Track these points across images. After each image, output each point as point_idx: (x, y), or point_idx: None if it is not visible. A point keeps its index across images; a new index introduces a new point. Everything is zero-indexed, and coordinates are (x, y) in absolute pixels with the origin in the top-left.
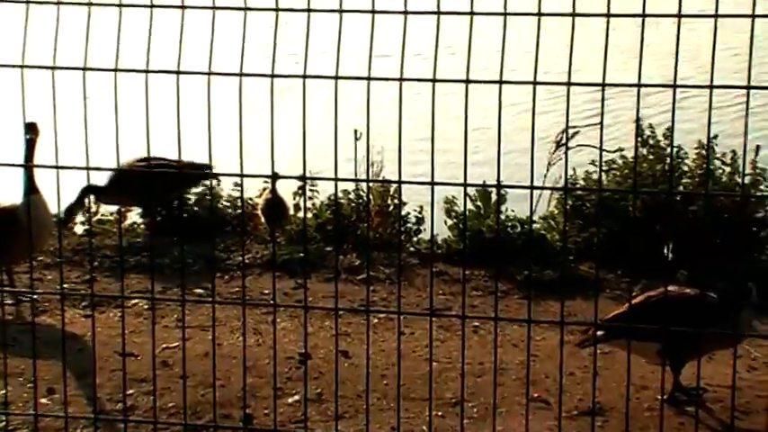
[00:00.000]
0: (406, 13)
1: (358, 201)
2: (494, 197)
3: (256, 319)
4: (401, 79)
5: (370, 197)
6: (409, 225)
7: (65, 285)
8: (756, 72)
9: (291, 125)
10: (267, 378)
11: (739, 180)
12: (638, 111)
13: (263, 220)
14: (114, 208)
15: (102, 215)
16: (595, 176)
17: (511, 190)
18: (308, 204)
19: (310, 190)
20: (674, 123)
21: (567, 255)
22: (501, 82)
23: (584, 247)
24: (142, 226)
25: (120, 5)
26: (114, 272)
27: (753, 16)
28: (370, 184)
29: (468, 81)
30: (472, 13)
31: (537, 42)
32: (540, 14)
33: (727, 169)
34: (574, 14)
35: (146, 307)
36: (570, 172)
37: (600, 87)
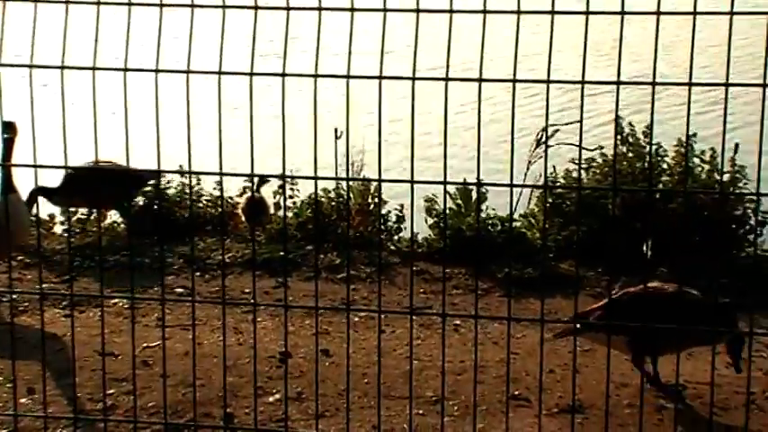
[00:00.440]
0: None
1: (338, 200)
2: (474, 195)
3: (237, 318)
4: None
5: (351, 196)
6: (390, 224)
7: (44, 285)
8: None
9: (273, 124)
10: (248, 377)
11: (718, 177)
12: (617, 108)
13: (243, 219)
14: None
15: (81, 215)
16: (576, 174)
17: (492, 188)
18: (289, 203)
19: (291, 189)
20: (654, 121)
21: (548, 253)
22: (480, 80)
23: (564, 245)
24: (122, 225)
25: (98, 3)
26: (94, 271)
27: (731, 13)
28: (352, 183)
29: (449, 79)
30: (451, 11)
31: (516, 40)
32: (519, 12)
33: (707, 167)
34: (553, 12)
35: (126, 306)
36: (550, 170)
37: (579, 85)
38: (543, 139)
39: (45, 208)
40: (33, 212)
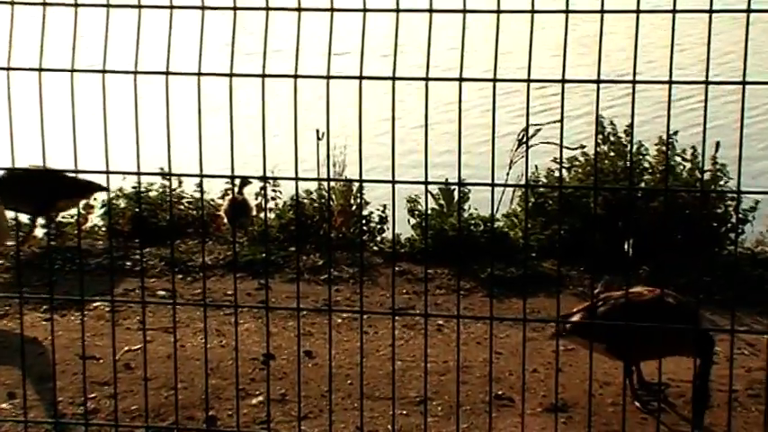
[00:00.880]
0: (431, 11)
1: (320, 201)
2: (456, 196)
3: (219, 321)
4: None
5: (333, 197)
6: (373, 224)
7: (24, 289)
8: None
9: (254, 125)
10: (230, 379)
11: (700, 176)
12: (597, 107)
13: (226, 220)
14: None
15: (62, 218)
16: (557, 174)
17: (474, 188)
18: (271, 205)
19: (273, 190)
20: (634, 119)
21: (530, 252)
22: (461, 79)
23: (546, 245)
24: (104, 229)
25: (76, 4)
26: (75, 275)
27: (710, 11)
28: (334, 184)
29: (431, 79)
30: (431, 11)
31: (496, 40)
32: (498, 11)
33: (688, 165)
34: (533, 11)
35: (107, 309)
36: (532, 169)
37: (559, 84)
38: (524, 138)
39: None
40: (12, 216)
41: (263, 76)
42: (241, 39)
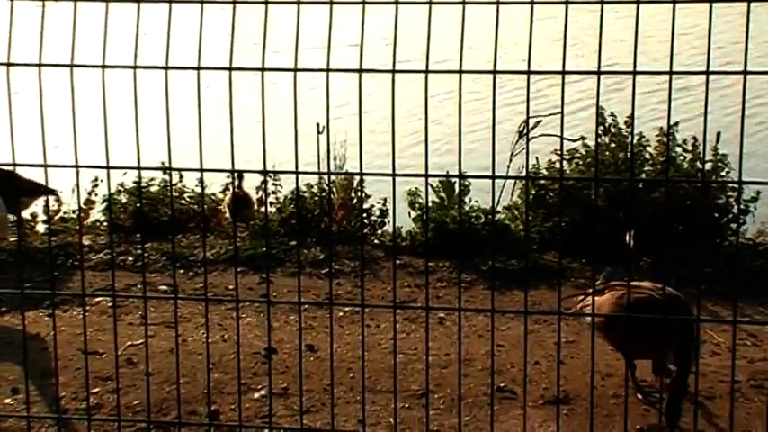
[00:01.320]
0: (430, 3)
1: (321, 194)
2: (457, 188)
3: (221, 315)
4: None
5: (334, 190)
6: (373, 218)
7: (26, 284)
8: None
9: (254, 119)
10: (232, 373)
11: (700, 166)
12: (597, 98)
13: (228, 215)
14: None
15: (64, 213)
16: (558, 165)
17: (475, 180)
18: (272, 199)
19: (273, 184)
20: (635, 110)
21: (531, 244)
22: (461, 72)
23: (547, 237)
24: (105, 224)
25: None
26: (77, 270)
27: (711, 0)
28: (334, 178)
29: (431, 71)
30: (430, 3)
31: (496, 31)
32: (498, 2)
33: (689, 156)
34: (533, 2)
35: (109, 304)
36: (533, 161)
37: (560, 75)
38: (525, 130)
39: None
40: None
41: (263, 69)
42: (240, 32)
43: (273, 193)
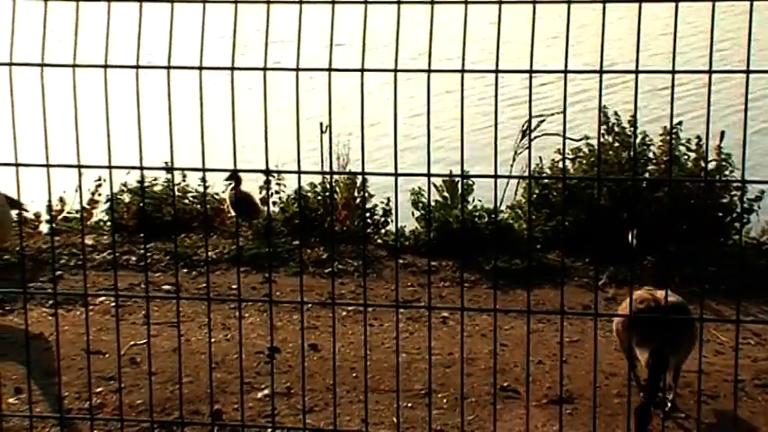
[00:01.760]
0: (432, 2)
1: (324, 194)
2: (460, 188)
3: (224, 315)
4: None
5: (337, 190)
6: (377, 217)
7: (29, 284)
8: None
9: (257, 119)
10: (235, 373)
11: (704, 165)
12: (600, 97)
13: (232, 213)
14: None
15: (67, 213)
16: (561, 165)
17: (478, 180)
18: (275, 199)
19: (276, 184)
20: (637, 110)
21: (534, 244)
22: (463, 71)
23: (551, 236)
24: (108, 224)
25: None
26: (80, 270)
27: (713, 0)
28: (337, 177)
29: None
30: (432, 2)
31: (498, 30)
32: (500, 2)
33: (692, 155)
34: (535, 1)
35: (112, 304)
36: (536, 161)
37: (562, 75)
38: (528, 129)
39: (30, 207)
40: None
41: (265, 69)
42: (241, 31)
43: (276, 192)
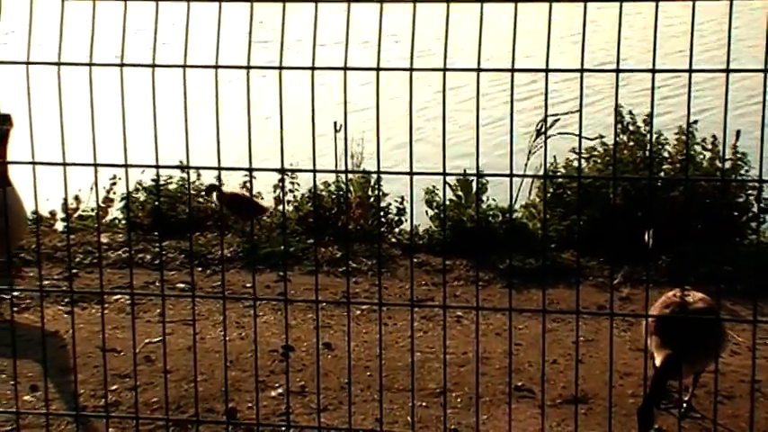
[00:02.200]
0: (448, 0)
1: (338, 193)
2: (474, 186)
3: (239, 313)
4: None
5: (351, 189)
6: (390, 216)
7: (45, 282)
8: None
9: (271, 117)
10: (250, 371)
11: (720, 165)
12: (616, 96)
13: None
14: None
15: (82, 212)
16: (576, 164)
17: (492, 179)
18: (290, 197)
19: (291, 183)
20: (653, 109)
21: (549, 243)
22: (479, 70)
23: (565, 235)
24: (123, 222)
25: None
26: (96, 268)
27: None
28: (351, 176)
29: (452, 70)
30: (449, 0)
31: (514, 29)
32: (516, 0)
33: (708, 154)
34: (551, 0)
35: (127, 302)
36: (551, 160)
37: (578, 73)
38: (543, 128)
39: (46, 205)
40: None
41: (281, 68)
42: (256, 30)
43: (291, 191)
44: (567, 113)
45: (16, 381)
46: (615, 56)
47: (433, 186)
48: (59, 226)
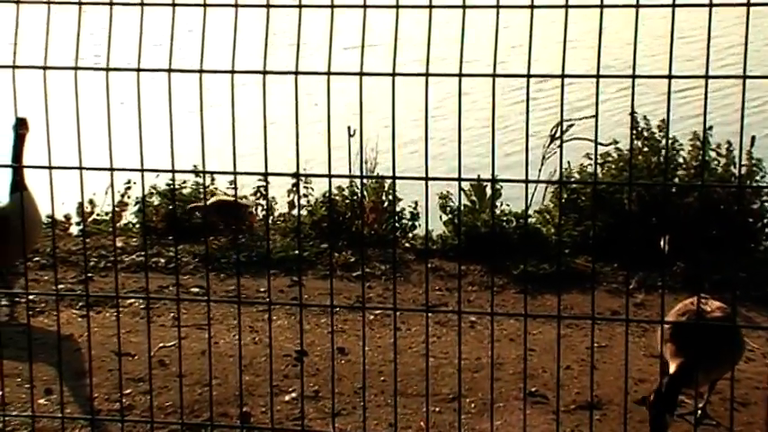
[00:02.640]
0: (464, 7)
1: (353, 197)
2: (489, 192)
3: (253, 317)
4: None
5: (365, 193)
6: (405, 221)
7: (60, 286)
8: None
9: (286, 123)
10: (264, 376)
11: (735, 171)
12: (632, 102)
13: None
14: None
15: (97, 215)
16: (591, 170)
17: (507, 184)
18: (304, 202)
19: (305, 187)
20: (670, 115)
21: (563, 248)
22: (494, 75)
23: (579, 241)
24: (138, 226)
25: (111, 3)
26: (110, 272)
27: (748, 5)
28: (366, 181)
29: (468, 74)
30: (464, 7)
31: (530, 35)
32: (532, 6)
33: (723, 160)
34: (567, 6)
35: (142, 306)
36: (566, 165)
37: (594, 79)
38: (558, 134)
39: (61, 208)
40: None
41: (296, 73)
42: (272, 34)
43: (305, 195)
44: (582, 119)
45: (32, 384)
46: (612, 61)
47: (448, 191)
48: (74, 230)
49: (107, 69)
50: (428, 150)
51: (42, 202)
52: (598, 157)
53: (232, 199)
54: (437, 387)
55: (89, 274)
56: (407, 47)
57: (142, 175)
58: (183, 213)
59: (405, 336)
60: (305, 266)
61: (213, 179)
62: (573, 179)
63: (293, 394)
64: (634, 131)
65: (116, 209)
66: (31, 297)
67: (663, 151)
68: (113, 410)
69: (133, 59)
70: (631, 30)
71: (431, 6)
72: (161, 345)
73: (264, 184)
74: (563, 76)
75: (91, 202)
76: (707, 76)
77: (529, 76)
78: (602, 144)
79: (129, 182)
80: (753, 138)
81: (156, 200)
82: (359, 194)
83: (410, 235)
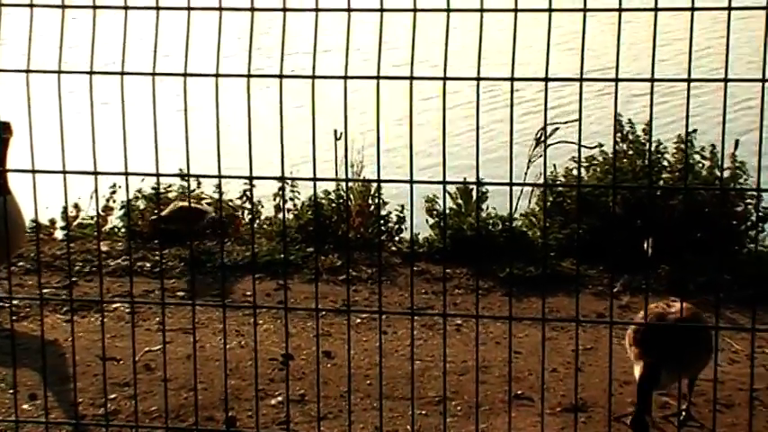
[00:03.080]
0: (448, 11)
1: (339, 201)
2: (475, 195)
3: (239, 321)
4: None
5: (351, 197)
6: (391, 224)
7: (45, 290)
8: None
9: (270, 125)
10: (249, 380)
11: (719, 174)
12: (615, 105)
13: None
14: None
15: (81, 220)
16: (576, 173)
17: (492, 187)
18: (290, 205)
19: (291, 191)
20: (653, 118)
21: (549, 251)
22: (479, 79)
23: (565, 244)
24: (123, 230)
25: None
26: (95, 276)
27: (729, 9)
28: (352, 184)
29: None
30: (448, 11)
31: (514, 39)
32: (516, 10)
33: (707, 163)
34: (550, 10)
35: (127, 311)
36: (551, 168)
37: (578, 82)
38: (542, 137)
39: (45, 213)
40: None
41: (281, 76)
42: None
43: (291, 199)
44: (566, 122)
45: (16, 389)
46: (594, 65)
47: (433, 194)
48: (59, 234)
49: (90, 73)
50: (413, 153)
51: (26, 206)
52: (584, 160)
53: (194, 206)
54: (423, 390)
55: (74, 279)
56: (391, 51)
57: (126, 179)
58: (146, 227)
59: (391, 339)
60: (291, 270)
61: (199, 183)
62: (557, 182)
63: (279, 398)
64: (619, 135)
65: (101, 213)
66: (15, 302)
67: (647, 154)
68: (98, 415)
69: (118, 62)
70: (610, 34)
71: (415, 10)
72: (146, 349)
73: (250, 187)
74: (546, 79)
75: (76, 206)
76: (689, 80)
77: (513, 79)
78: (586, 147)
79: (114, 186)
80: (736, 141)
81: (141, 204)
82: (345, 198)
83: (396, 238)
